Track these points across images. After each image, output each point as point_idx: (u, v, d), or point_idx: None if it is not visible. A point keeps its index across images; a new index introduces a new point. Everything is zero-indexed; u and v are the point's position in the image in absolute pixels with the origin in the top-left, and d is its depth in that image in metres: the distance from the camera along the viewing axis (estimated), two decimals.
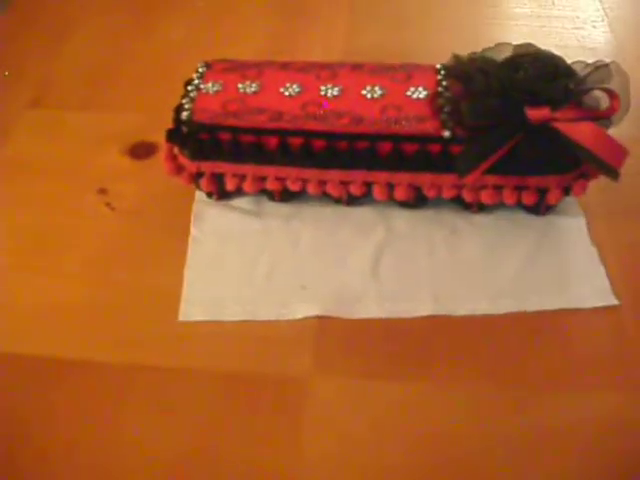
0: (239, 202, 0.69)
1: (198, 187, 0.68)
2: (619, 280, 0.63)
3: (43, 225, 0.69)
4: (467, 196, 0.64)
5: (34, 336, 0.60)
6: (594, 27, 0.93)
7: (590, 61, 0.64)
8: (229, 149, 0.64)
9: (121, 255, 0.66)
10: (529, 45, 0.66)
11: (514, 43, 0.66)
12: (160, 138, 0.67)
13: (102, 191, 0.72)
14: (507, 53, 0.66)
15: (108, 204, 0.71)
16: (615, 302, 0.61)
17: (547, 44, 0.76)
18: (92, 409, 0.56)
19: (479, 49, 0.66)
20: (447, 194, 0.64)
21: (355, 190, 0.65)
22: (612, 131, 0.62)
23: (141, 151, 0.76)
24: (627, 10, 0.97)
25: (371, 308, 0.61)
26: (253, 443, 0.53)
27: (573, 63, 0.64)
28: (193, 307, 0.61)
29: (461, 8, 0.97)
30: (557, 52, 0.65)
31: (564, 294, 0.61)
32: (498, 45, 0.66)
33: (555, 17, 0.95)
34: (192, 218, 0.67)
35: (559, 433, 0.53)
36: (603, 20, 0.94)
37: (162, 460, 0.53)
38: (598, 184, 0.64)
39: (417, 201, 0.66)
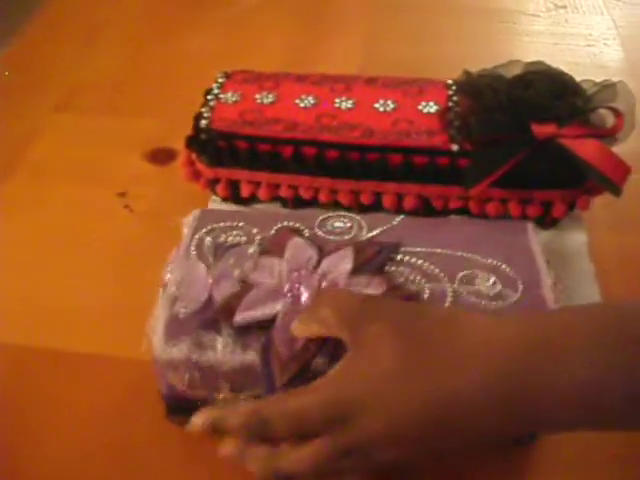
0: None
1: (214, 192, 0.70)
2: (618, 293, 0.64)
3: (64, 225, 0.72)
4: (473, 208, 0.66)
5: (54, 331, 0.62)
6: (606, 45, 0.95)
7: (599, 79, 0.66)
8: (245, 157, 0.66)
9: (138, 255, 0.68)
10: (539, 63, 0.68)
11: (525, 60, 0.68)
12: (180, 144, 0.69)
13: (122, 194, 0.74)
14: (518, 70, 0.68)
15: (127, 206, 0.73)
16: None
17: (559, 61, 0.78)
18: (108, 402, 0.57)
19: (493, 65, 0.68)
20: (454, 205, 0.66)
21: (365, 199, 0.67)
22: (617, 147, 0.63)
23: (161, 156, 0.79)
24: (637, 28, 0.99)
25: None
26: None
27: (582, 81, 0.66)
28: None
29: (477, 24, 0.99)
30: (569, 69, 0.67)
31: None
32: (509, 62, 0.69)
33: (568, 34, 0.97)
34: None
35: None
36: (615, 38, 0.96)
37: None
38: (603, 199, 0.66)
39: (425, 211, 0.68)
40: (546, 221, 0.67)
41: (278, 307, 0.49)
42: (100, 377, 0.59)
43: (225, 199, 0.71)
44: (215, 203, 0.71)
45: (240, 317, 0.49)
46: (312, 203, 0.69)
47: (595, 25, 0.99)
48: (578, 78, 0.66)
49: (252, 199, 0.70)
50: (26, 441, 0.55)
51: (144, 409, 0.56)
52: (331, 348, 0.48)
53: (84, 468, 0.54)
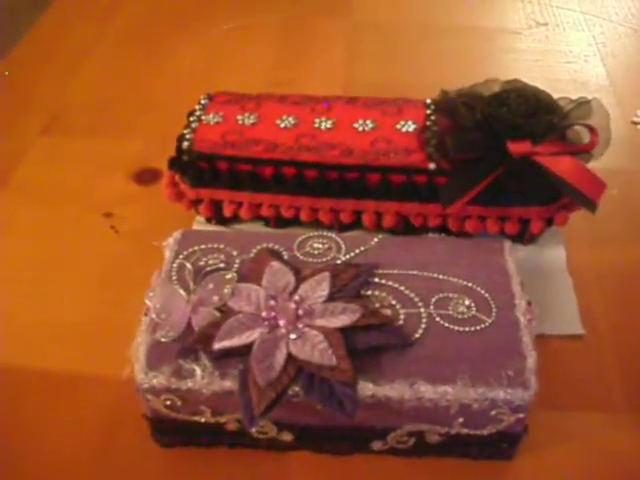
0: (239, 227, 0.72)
1: (198, 212, 0.71)
2: (598, 307, 0.65)
3: (51, 246, 0.73)
4: (452, 225, 0.67)
5: (39, 352, 0.63)
6: (586, 61, 0.96)
7: (579, 96, 0.67)
8: (226, 177, 0.67)
9: (124, 275, 0.69)
10: (516, 81, 0.69)
11: (507, 78, 0.69)
12: (164, 165, 0.70)
13: (108, 214, 0.75)
14: (496, 88, 0.68)
15: (113, 227, 0.74)
16: (581, 332, 0.63)
17: (540, 78, 0.80)
18: (90, 423, 0.58)
19: (474, 82, 0.69)
20: (433, 223, 0.67)
21: (345, 218, 0.68)
22: (593, 164, 0.64)
23: (146, 177, 0.80)
24: (618, 45, 1.00)
25: None
26: None
27: (558, 99, 0.67)
28: None
29: (458, 42, 1.00)
30: (549, 86, 0.68)
31: (539, 321, 0.63)
32: (487, 81, 0.69)
33: (549, 51, 0.98)
34: None
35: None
36: (595, 55, 0.97)
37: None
38: (581, 214, 0.66)
39: (405, 229, 0.68)
40: (525, 237, 0.68)
41: (255, 335, 0.50)
42: (85, 397, 0.60)
43: (208, 219, 0.72)
44: (199, 223, 0.72)
45: (218, 345, 0.50)
46: (294, 222, 0.70)
47: (576, 42, 1.00)
48: (558, 95, 0.67)
49: (235, 219, 0.71)
50: (7, 462, 0.56)
51: (130, 429, 0.57)
52: (307, 376, 0.48)
53: None
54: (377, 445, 0.54)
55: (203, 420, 0.53)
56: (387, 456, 0.55)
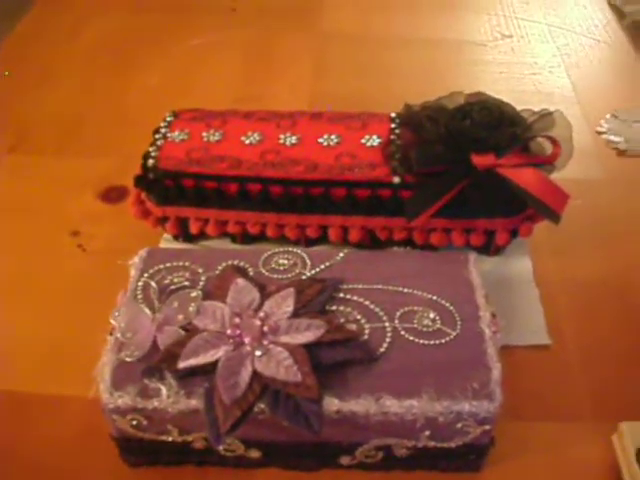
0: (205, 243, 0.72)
1: (164, 230, 0.71)
2: (564, 317, 0.66)
3: (17, 265, 0.72)
4: (417, 238, 0.67)
5: (4, 372, 0.63)
6: (551, 72, 0.97)
7: (544, 107, 0.67)
8: (192, 195, 0.67)
9: (91, 294, 0.68)
10: (479, 93, 0.70)
11: (472, 90, 0.70)
12: (131, 183, 0.70)
13: (75, 233, 0.75)
14: (460, 101, 0.69)
15: (80, 245, 0.74)
16: (547, 342, 0.64)
17: (505, 90, 0.80)
18: (58, 443, 0.58)
19: (441, 94, 0.70)
20: (398, 236, 0.67)
21: (311, 233, 0.68)
22: (556, 175, 0.65)
23: (113, 195, 0.79)
24: (582, 56, 1.01)
25: None
26: None
27: (521, 111, 0.67)
28: None
29: (424, 54, 1.01)
30: (514, 97, 0.69)
31: (505, 332, 0.63)
32: (452, 93, 0.70)
33: (514, 63, 0.99)
34: None
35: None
36: (560, 66, 0.98)
37: None
38: (546, 224, 0.67)
39: (371, 243, 0.69)
40: (490, 249, 0.69)
41: (220, 352, 0.50)
42: (52, 416, 0.60)
43: (175, 236, 0.71)
44: (167, 241, 0.72)
45: (183, 364, 0.49)
46: (260, 238, 0.70)
47: (541, 53, 1.01)
48: (523, 106, 0.67)
49: (202, 235, 0.71)
50: None
51: (98, 449, 0.57)
52: (272, 393, 0.48)
53: None
54: (345, 460, 0.54)
55: (170, 439, 0.53)
56: (356, 471, 0.55)
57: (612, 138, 0.86)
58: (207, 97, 0.89)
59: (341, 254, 0.59)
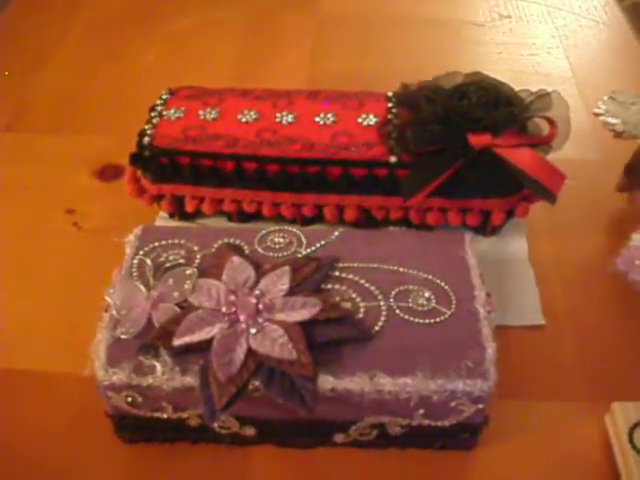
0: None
1: (160, 208, 0.71)
2: (559, 297, 0.66)
3: (12, 243, 0.72)
4: (414, 218, 0.67)
5: (1, 350, 0.63)
6: (549, 53, 0.97)
7: (542, 87, 0.67)
8: (188, 173, 0.67)
9: (87, 272, 0.68)
10: (477, 73, 0.69)
11: (466, 71, 0.69)
12: (127, 161, 0.70)
13: (70, 211, 0.75)
14: (458, 81, 0.69)
15: (75, 224, 0.74)
16: (542, 322, 0.64)
17: (503, 70, 0.80)
18: (54, 420, 0.58)
19: (438, 74, 0.69)
20: (394, 216, 0.67)
21: (307, 212, 0.68)
22: (553, 155, 0.65)
23: (109, 173, 0.79)
24: (581, 37, 1.01)
25: None
26: None
27: (519, 91, 0.67)
28: None
29: (422, 35, 1.01)
30: (512, 78, 0.68)
31: (500, 312, 0.63)
32: (449, 73, 0.70)
33: (512, 44, 0.99)
34: None
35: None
36: (558, 47, 0.98)
37: None
38: (543, 205, 0.67)
39: (367, 222, 0.69)
40: (486, 229, 0.69)
41: (215, 330, 0.50)
42: (47, 394, 0.60)
43: (171, 215, 0.71)
44: (163, 219, 0.72)
45: (178, 341, 0.49)
46: (256, 217, 0.70)
47: (539, 34, 1.01)
48: (521, 87, 0.67)
49: (197, 214, 0.71)
50: None
51: (93, 426, 0.57)
52: (267, 370, 0.48)
53: None
54: (340, 438, 0.55)
55: (165, 416, 0.53)
56: (350, 448, 0.56)
57: (609, 120, 0.86)
58: (203, 76, 0.88)
59: (337, 233, 0.59)
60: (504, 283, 0.66)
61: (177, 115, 0.69)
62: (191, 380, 0.49)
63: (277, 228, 0.60)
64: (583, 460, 0.55)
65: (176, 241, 0.58)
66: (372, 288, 0.54)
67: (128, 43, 1.00)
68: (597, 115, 0.87)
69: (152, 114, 0.70)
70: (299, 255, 0.57)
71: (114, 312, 0.52)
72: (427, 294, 0.54)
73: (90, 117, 0.88)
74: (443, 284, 0.55)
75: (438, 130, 0.64)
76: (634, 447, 0.52)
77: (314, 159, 0.65)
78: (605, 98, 0.89)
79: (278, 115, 0.68)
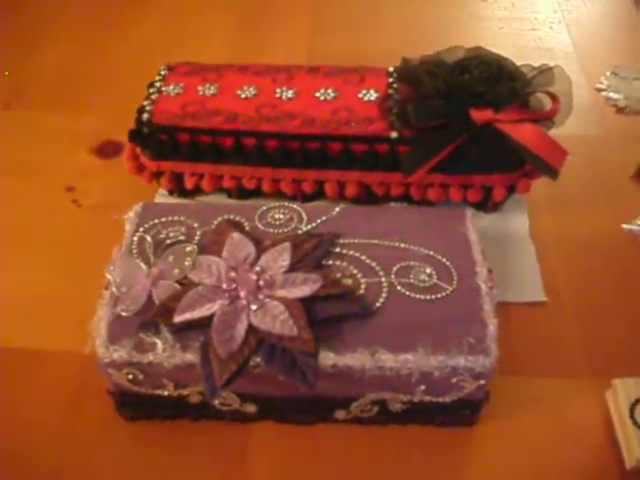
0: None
1: (159, 185, 0.70)
2: (560, 274, 0.66)
3: (12, 221, 0.72)
4: (415, 194, 0.67)
5: (1, 328, 0.63)
6: (551, 28, 0.96)
7: (539, 64, 0.66)
8: (187, 149, 0.66)
9: (86, 249, 0.68)
10: (479, 48, 0.69)
11: (467, 46, 0.69)
12: (126, 138, 0.69)
13: (70, 189, 0.75)
14: (459, 56, 0.68)
15: (75, 201, 0.73)
16: (543, 299, 0.64)
17: (505, 45, 0.79)
18: (55, 398, 0.58)
19: (439, 50, 0.69)
20: (395, 192, 0.67)
21: (307, 188, 0.67)
22: (555, 130, 0.64)
23: (108, 150, 0.79)
24: (583, 12, 1.00)
25: None
26: None
27: (521, 66, 0.67)
28: None
29: (424, 9, 1.00)
30: (514, 53, 0.68)
31: (501, 289, 0.63)
32: (451, 48, 0.69)
33: (514, 19, 0.98)
34: None
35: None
36: (560, 22, 0.97)
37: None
38: (544, 181, 0.67)
39: (368, 198, 0.68)
40: (488, 205, 0.68)
41: (216, 307, 0.49)
42: (49, 371, 0.60)
43: (170, 192, 0.71)
44: (162, 196, 0.72)
45: (178, 318, 0.49)
46: (256, 193, 0.69)
47: (541, 9, 1.00)
48: (522, 62, 0.67)
49: (197, 191, 0.70)
50: None
51: (95, 403, 0.57)
52: (268, 347, 0.48)
53: (33, 462, 0.55)
54: (341, 414, 0.55)
55: (166, 393, 0.53)
56: (351, 425, 0.56)
57: (611, 95, 0.85)
58: (201, 52, 0.88)
59: (337, 209, 0.59)
60: (505, 260, 0.66)
61: (176, 91, 0.68)
62: (192, 357, 0.49)
63: (277, 204, 0.59)
64: (584, 436, 0.55)
65: (176, 218, 0.58)
66: (373, 264, 0.54)
67: (126, 19, 0.99)
68: (599, 90, 0.86)
69: (151, 90, 0.69)
70: (300, 231, 0.57)
71: (114, 289, 0.52)
72: (428, 270, 0.54)
73: (88, 94, 0.87)
74: (444, 260, 0.54)
75: (440, 105, 0.63)
76: (635, 423, 0.52)
77: (314, 135, 0.64)
78: (607, 73, 0.88)
79: (278, 90, 0.68)
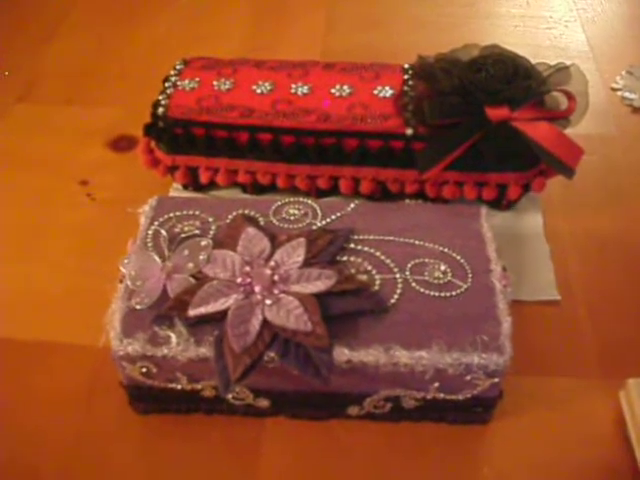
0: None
1: (174, 179, 0.70)
2: (574, 273, 0.66)
3: (27, 215, 0.72)
4: (429, 191, 0.67)
5: (16, 321, 0.63)
6: (566, 27, 0.95)
7: (554, 62, 0.66)
8: (202, 143, 0.66)
9: (101, 243, 0.68)
10: (494, 46, 0.69)
11: (482, 44, 0.68)
12: (141, 132, 0.69)
13: (84, 182, 0.75)
14: (474, 54, 0.68)
15: (89, 195, 0.74)
16: (557, 297, 0.64)
17: (520, 44, 0.79)
18: (69, 391, 0.58)
19: (454, 47, 0.69)
20: (410, 189, 0.67)
21: (322, 184, 0.67)
22: (571, 129, 0.64)
23: (123, 144, 0.79)
24: (598, 10, 0.99)
25: None
26: None
27: (536, 64, 0.66)
28: None
29: (438, 7, 1.00)
30: (529, 51, 0.68)
31: (515, 287, 0.63)
32: (466, 46, 0.69)
33: (529, 17, 0.97)
34: None
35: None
36: (576, 20, 0.97)
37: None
38: (559, 180, 0.67)
39: (382, 195, 0.68)
40: (502, 203, 0.68)
41: (230, 301, 0.49)
42: (62, 365, 0.60)
43: (185, 186, 0.71)
44: (176, 190, 0.72)
45: (193, 312, 0.49)
46: (271, 188, 0.69)
47: (556, 7, 1.00)
48: (537, 60, 0.66)
49: (212, 185, 0.70)
50: None
51: (108, 397, 0.57)
52: (282, 342, 0.48)
53: (46, 455, 0.55)
54: (354, 410, 0.55)
55: (179, 387, 0.53)
56: (364, 421, 0.56)
57: (627, 95, 0.85)
58: (216, 47, 0.88)
59: (352, 205, 0.59)
60: (519, 258, 0.66)
61: (191, 86, 0.68)
62: (206, 351, 0.49)
63: (292, 200, 0.59)
64: (596, 436, 0.55)
65: (191, 212, 0.58)
66: (388, 261, 0.54)
67: (139, 16, 0.99)
68: (614, 90, 0.86)
69: (166, 84, 0.69)
70: (314, 227, 0.57)
71: (129, 283, 0.52)
72: (443, 267, 0.54)
73: (103, 88, 0.87)
74: (459, 257, 0.54)
75: (455, 102, 0.63)
76: None
77: (330, 130, 0.64)
78: (623, 73, 0.88)
79: (293, 86, 0.68)
